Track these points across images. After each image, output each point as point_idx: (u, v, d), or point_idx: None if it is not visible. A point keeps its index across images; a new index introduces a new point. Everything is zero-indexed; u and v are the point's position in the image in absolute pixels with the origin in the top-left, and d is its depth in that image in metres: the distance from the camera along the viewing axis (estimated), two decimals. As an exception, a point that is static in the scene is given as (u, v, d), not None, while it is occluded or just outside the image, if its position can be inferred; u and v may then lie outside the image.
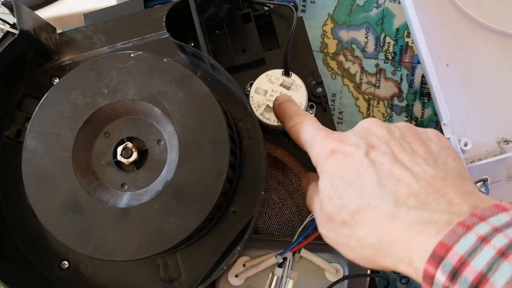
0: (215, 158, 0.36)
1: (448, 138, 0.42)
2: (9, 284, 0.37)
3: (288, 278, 0.40)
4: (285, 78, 0.44)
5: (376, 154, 0.30)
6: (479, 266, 0.21)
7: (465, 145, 0.42)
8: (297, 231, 0.41)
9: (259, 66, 0.46)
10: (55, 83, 0.43)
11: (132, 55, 0.37)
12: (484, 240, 0.22)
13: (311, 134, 0.35)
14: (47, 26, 0.43)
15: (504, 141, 0.48)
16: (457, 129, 0.45)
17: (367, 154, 0.30)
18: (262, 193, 0.35)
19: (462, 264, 0.22)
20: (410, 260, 0.26)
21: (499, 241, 0.22)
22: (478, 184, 0.36)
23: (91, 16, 0.46)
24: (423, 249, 0.24)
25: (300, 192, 0.45)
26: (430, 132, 0.33)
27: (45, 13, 0.48)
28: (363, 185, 0.29)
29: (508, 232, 0.22)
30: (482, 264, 0.21)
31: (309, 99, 0.45)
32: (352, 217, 0.29)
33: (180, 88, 0.37)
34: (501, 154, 0.47)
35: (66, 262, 0.41)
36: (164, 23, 0.38)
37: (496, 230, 0.22)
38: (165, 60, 0.37)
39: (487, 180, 0.35)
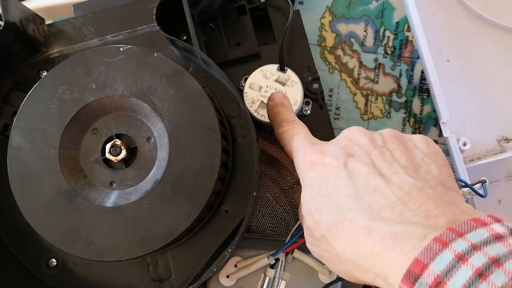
0: (206, 158, 0.35)
1: (447, 137, 0.41)
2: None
3: (281, 279, 0.39)
4: (280, 73, 0.43)
5: (354, 165, 0.29)
6: (456, 287, 0.20)
7: (464, 144, 0.40)
8: (291, 231, 0.40)
9: (254, 61, 0.45)
10: (43, 76, 0.42)
11: (121, 49, 0.36)
12: (461, 258, 0.21)
13: (297, 143, 0.33)
14: (34, 18, 0.41)
15: (505, 139, 0.47)
16: (457, 127, 0.44)
17: (346, 164, 0.29)
18: (254, 193, 0.34)
19: (438, 284, 0.21)
20: (385, 276, 0.25)
21: (477, 260, 0.20)
22: (477, 185, 0.35)
23: (81, 7, 0.45)
24: (397, 266, 0.23)
25: (294, 190, 0.44)
26: (417, 138, 0.31)
27: (34, 3, 0.47)
28: (340, 198, 0.28)
29: (487, 250, 0.21)
30: (459, 285, 0.20)
31: (305, 95, 0.44)
32: (329, 231, 0.28)
33: (170, 84, 0.35)
34: (501, 153, 0.46)
35: (54, 260, 0.40)
36: (154, 16, 0.36)
37: (474, 248, 0.21)
38: (155, 54, 0.36)
39: (486, 181, 0.34)
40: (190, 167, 0.35)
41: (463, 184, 0.35)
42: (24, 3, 0.47)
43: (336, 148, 0.31)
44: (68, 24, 0.43)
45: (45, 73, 0.42)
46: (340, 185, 0.28)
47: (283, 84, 0.42)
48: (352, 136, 0.31)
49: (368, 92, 0.52)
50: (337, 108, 0.52)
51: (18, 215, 0.39)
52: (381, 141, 0.30)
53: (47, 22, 0.43)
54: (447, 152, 0.45)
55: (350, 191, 0.28)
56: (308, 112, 0.44)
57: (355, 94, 0.52)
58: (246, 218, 0.33)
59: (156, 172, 0.36)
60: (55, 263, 0.40)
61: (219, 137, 0.35)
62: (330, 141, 0.32)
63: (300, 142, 0.34)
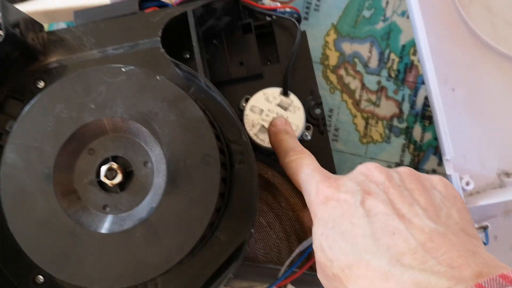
0: (204, 189, 0.34)
1: (449, 175, 0.41)
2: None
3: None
4: (283, 98, 0.42)
5: (372, 203, 0.28)
6: None
7: (467, 184, 0.40)
8: (284, 263, 0.39)
9: (257, 80, 0.44)
10: (40, 86, 0.41)
11: (123, 69, 0.35)
12: None
13: (307, 176, 0.33)
14: (34, 25, 0.40)
15: (505, 174, 0.46)
16: (459, 162, 0.43)
17: (363, 202, 0.28)
18: (252, 230, 0.33)
19: None
20: None
21: None
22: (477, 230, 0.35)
23: (82, 15, 0.43)
24: None
25: (289, 217, 0.43)
26: (435, 179, 0.31)
27: (34, 6, 0.45)
28: (355, 237, 0.27)
29: None
30: None
31: (306, 120, 0.43)
32: (342, 271, 0.28)
33: (171, 110, 0.34)
34: (500, 187, 0.45)
35: (41, 277, 0.39)
36: (159, 38, 0.35)
37: None
38: (157, 77, 0.35)
39: (488, 227, 0.34)
40: (187, 197, 0.34)
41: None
42: (23, 4, 0.46)
43: (352, 184, 0.30)
44: (68, 33, 0.41)
45: (42, 83, 0.40)
46: (356, 223, 0.28)
47: (285, 109, 0.42)
48: (368, 172, 0.31)
49: (369, 115, 0.51)
50: (336, 130, 0.51)
51: (8, 227, 0.39)
52: (399, 179, 0.30)
53: (47, 25, 0.41)
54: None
55: (367, 231, 0.27)
56: (309, 137, 0.43)
57: (355, 116, 0.51)
58: (240, 259, 0.33)
59: (151, 199, 0.35)
60: (42, 280, 0.39)
61: (218, 167, 0.34)
62: (345, 176, 0.32)
63: (311, 175, 0.33)
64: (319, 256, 0.29)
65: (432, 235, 0.26)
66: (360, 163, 0.50)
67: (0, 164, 0.35)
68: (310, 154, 0.35)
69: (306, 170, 0.33)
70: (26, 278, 0.39)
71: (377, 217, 0.27)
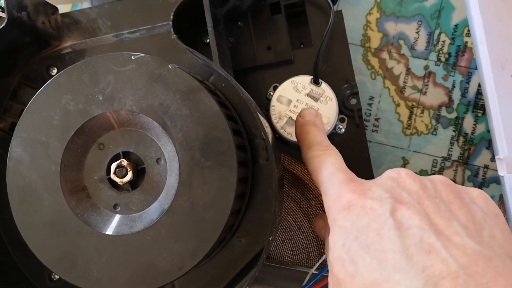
0: (220, 190, 0.31)
1: (502, 176, 0.35)
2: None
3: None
4: (313, 87, 0.37)
5: (404, 214, 0.24)
6: None
7: (522, 189, 0.35)
8: (313, 266, 0.36)
9: (286, 66, 0.40)
10: (52, 73, 0.38)
11: (133, 57, 0.32)
12: None
13: (329, 175, 0.29)
14: (46, 7, 0.38)
15: None
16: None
17: (393, 212, 0.24)
18: (270, 238, 0.29)
19: None
20: None
21: None
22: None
23: (99, -5, 0.40)
24: None
25: (315, 216, 0.39)
26: (475, 192, 0.26)
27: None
28: (383, 252, 0.24)
29: None
30: None
31: (340, 111, 0.38)
32: None
33: (185, 103, 0.31)
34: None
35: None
36: (171, 23, 0.31)
37: None
38: (170, 66, 0.31)
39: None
40: (201, 200, 0.31)
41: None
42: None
43: (381, 190, 0.26)
44: (82, 15, 0.39)
45: (55, 70, 0.38)
46: (385, 236, 0.24)
47: (316, 99, 0.37)
48: (399, 179, 0.26)
49: (414, 103, 0.46)
50: (376, 119, 0.46)
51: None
52: (434, 190, 0.26)
53: (70, 5, 0.39)
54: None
55: (397, 246, 0.23)
56: (342, 130, 0.39)
57: (398, 105, 0.46)
58: (258, 265, 0.29)
59: (163, 200, 0.32)
60: (58, 277, 0.38)
61: (235, 167, 0.31)
62: (372, 180, 0.28)
63: (333, 174, 0.29)
64: (337, 270, 0.26)
65: (476, 258, 0.22)
66: (403, 157, 0.45)
67: (7, 158, 0.33)
68: (337, 151, 0.31)
69: (329, 169, 0.29)
70: (42, 275, 0.38)
71: (411, 230, 0.24)
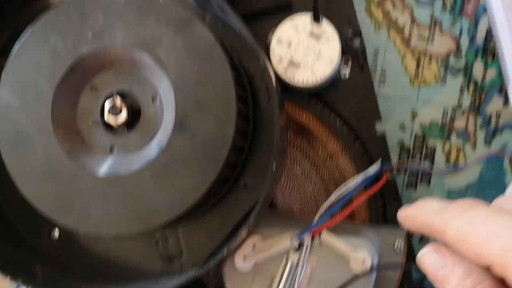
0: (219, 123, 0.29)
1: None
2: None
3: (305, 266, 0.33)
4: (314, 26, 0.36)
5: None
6: None
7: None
8: (320, 209, 0.34)
9: (285, 11, 0.38)
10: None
11: (122, -9, 0.31)
12: None
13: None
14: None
15: None
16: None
17: None
18: (274, 169, 0.28)
19: None
20: None
21: None
22: None
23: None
24: None
25: (326, 165, 0.38)
26: None
27: None
28: None
29: None
30: None
31: (343, 53, 0.37)
32: None
33: (178, 35, 0.30)
34: None
35: (57, 231, 0.36)
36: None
37: None
38: (160, 0, 0.30)
39: None
40: (199, 134, 0.29)
41: None
42: None
43: None
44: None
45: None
46: None
47: (318, 38, 0.36)
48: None
49: (421, 53, 0.44)
50: (383, 73, 0.44)
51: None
52: None
53: None
54: None
55: None
56: (347, 76, 0.37)
57: (404, 56, 0.44)
58: (260, 199, 0.28)
59: (161, 137, 0.30)
60: (58, 235, 0.36)
61: (234, 98, 0.29)
62: None
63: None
64: None
65: None
66: (412, 109, 0.43)
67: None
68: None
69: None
70: (40, 233, 0.37)
71: None
